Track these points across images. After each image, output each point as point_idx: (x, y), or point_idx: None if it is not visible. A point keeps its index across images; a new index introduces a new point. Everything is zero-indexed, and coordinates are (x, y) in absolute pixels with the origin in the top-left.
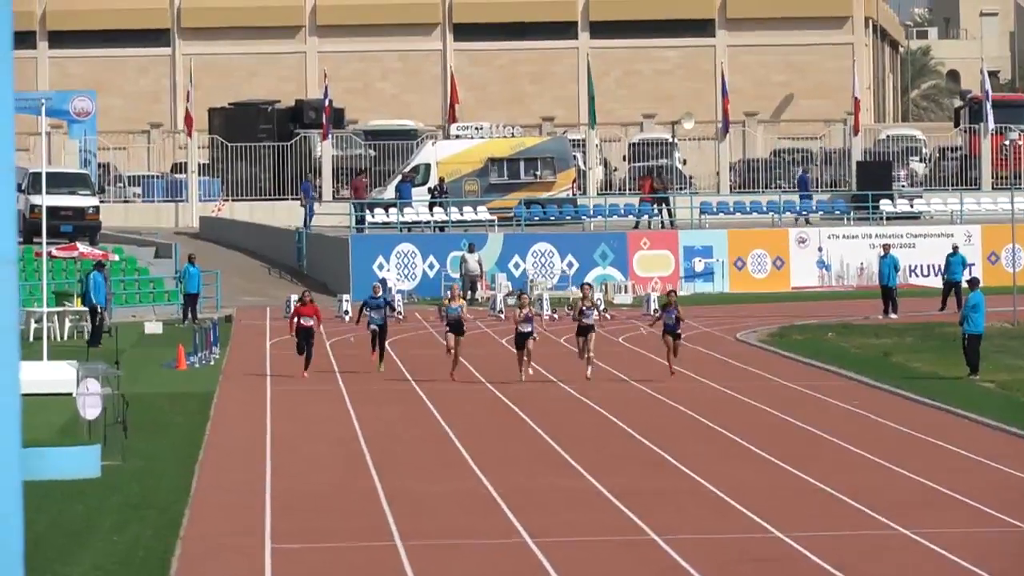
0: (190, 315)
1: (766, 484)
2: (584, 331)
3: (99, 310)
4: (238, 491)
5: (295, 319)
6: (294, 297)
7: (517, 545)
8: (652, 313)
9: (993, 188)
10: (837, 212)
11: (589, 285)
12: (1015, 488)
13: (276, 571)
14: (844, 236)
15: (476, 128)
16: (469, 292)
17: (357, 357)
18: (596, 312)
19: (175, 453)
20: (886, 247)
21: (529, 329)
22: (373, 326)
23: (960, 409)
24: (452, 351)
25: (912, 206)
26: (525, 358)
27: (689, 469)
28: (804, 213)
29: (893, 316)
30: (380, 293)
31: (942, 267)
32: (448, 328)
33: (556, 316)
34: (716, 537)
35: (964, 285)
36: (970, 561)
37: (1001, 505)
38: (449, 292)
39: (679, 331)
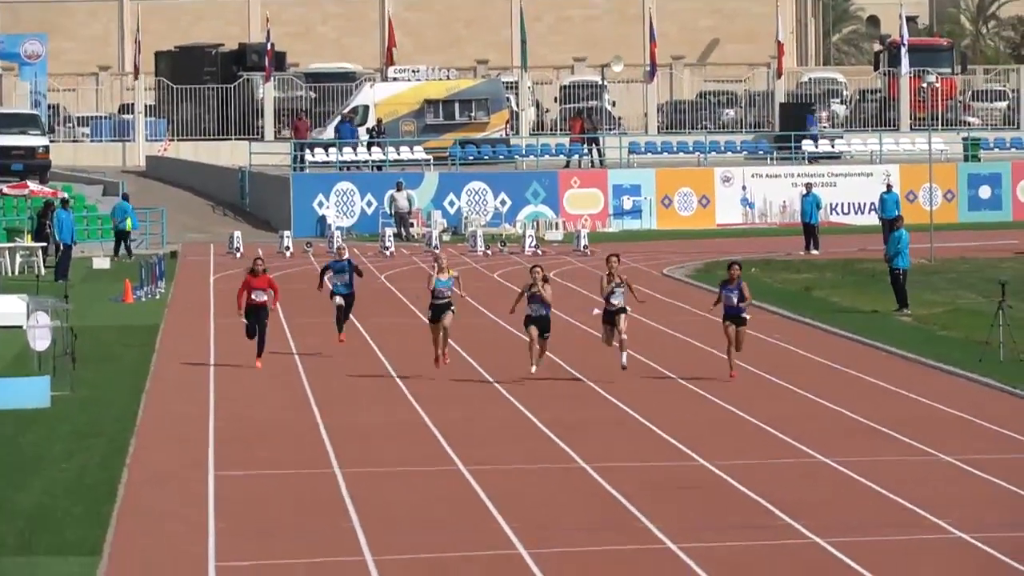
0: (124, 251)
1: (691, 414)
2: (612, 316)
3: (63, 246)
4: (183, 421)
5: (244, 293)
6: (237, 234)
7: (451, 473)
8: (718, 291)
9: (911, 129)
10: (761, 152)
11: (616, 256)
12: (932, 418)
13: (219, 497)
14: (767, 175)
15: (413, 71)
16: (403, 230)
17: (314, 326)
18: (626, 289)
19: (122, 384)
20: (808, 186)
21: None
22: (339, 298)
23: (879, 342)
24: (438, 339)
25: (833, 146)
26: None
27: (618, 400)
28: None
29: (814, 252)
30: (345, 255)
31: (876, 205)
32: (431, 315)
33: (490, 252)
34: (643, 465)
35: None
36: (890, 489)
37: (918, 435)
38: (436, 262)
39: (744, 315)
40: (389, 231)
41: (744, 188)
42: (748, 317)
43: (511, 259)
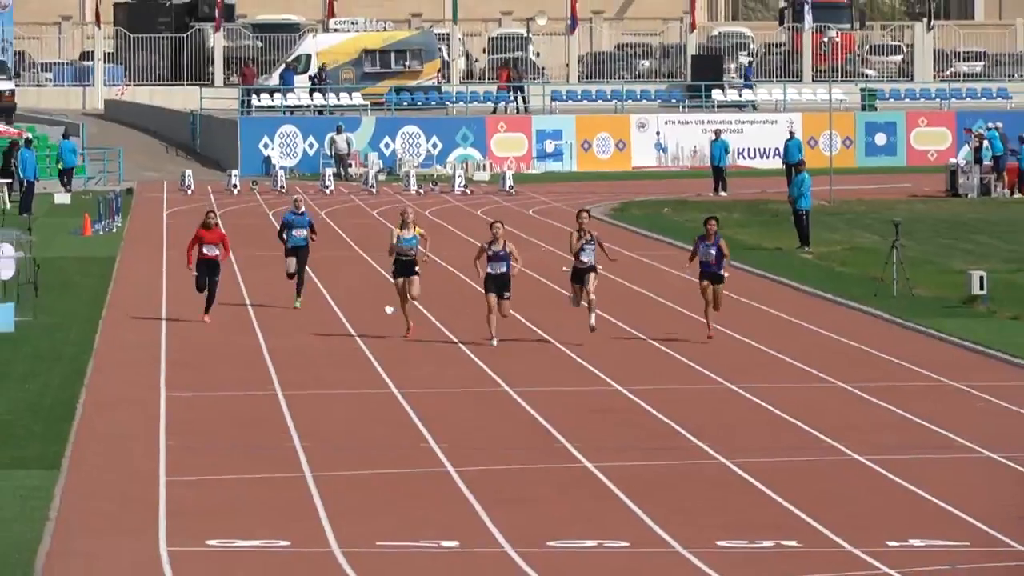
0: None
1: (605, 342)
2: (581, 275)
3: (27, 183)
4: (137, 346)
5: (195, 246)
6: (189, 173)
7: (385, 395)
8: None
9: (813, 80)
10: (673, 100)
11: (586, 212)
12: (831, 349)
13: (169, 417)
14: (679, 122)
15: (352, 22)
16: (342, 170)
17: (267, 284)
18: (596, 246)
19: (81, 311)
20: (717, 132)
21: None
22: (291, 261)
23: (782, 277)
24: (403, 298)
25: (740, 95)
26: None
27: (537, 328)
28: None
29: (723, 194)
30: (303, 209)
31: (780, 150)
32: (395, 269)
33: (422, 191)
34: (562, 389)
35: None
36: (792, 414)
37: (818, 364)
38: (402, 216)
39: (722, 272)
40: (329, 171)
41: (658, 134)
42: (726, 275)
43: (442, 198)
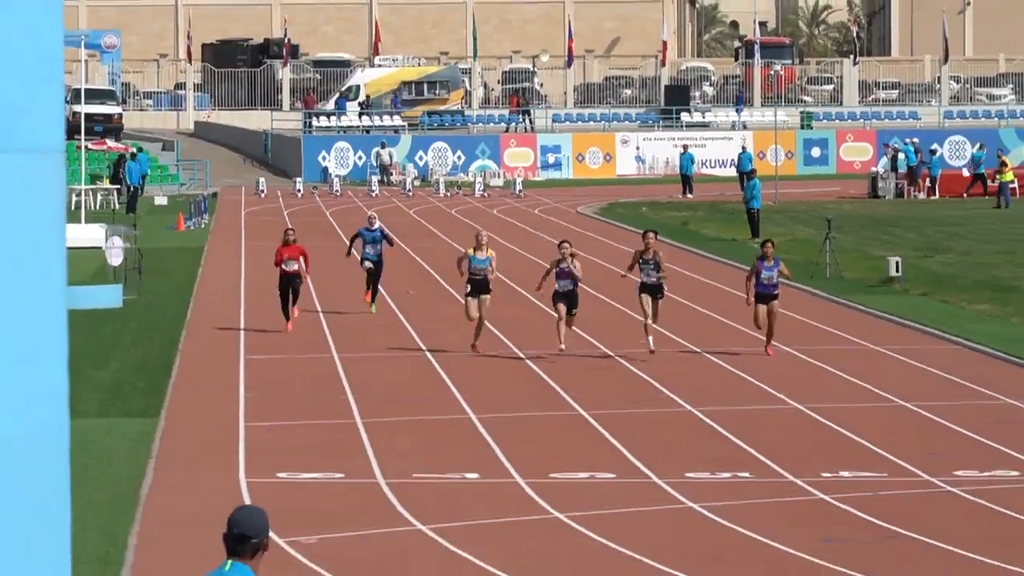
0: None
1: (597, 315)
2: (650, 289)
3: (133, 187)
4: (221, 319)
5: (280, 259)
6: (262, 180)
7: (421, 358)
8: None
9: (762, 105)
10: (650, 121)
11: (653, 232)
12: (778, 320)
13: (248, 375)
14: (655, 139)
15: (393, 59)
16: (385, 177)
17: (345, 298)
18: (659, 269)
19: (176, 291)
20: (685, 146)
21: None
22: (368, 263)
23: (736, 263)
24: (476, 318)
25: (704, 117)
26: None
27: (539, 302)
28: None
29: (689, 196)
30: (376, 224)
31: (735, 161)
32: (469, 289)
33: (449, 194)
34: (564, 354)
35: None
36: (746, 373)
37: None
38: (475, 239)
39: (776, 293)
40: (375, 178)
41: (637, 148)
42: (779, 294)
43: (465, 200)
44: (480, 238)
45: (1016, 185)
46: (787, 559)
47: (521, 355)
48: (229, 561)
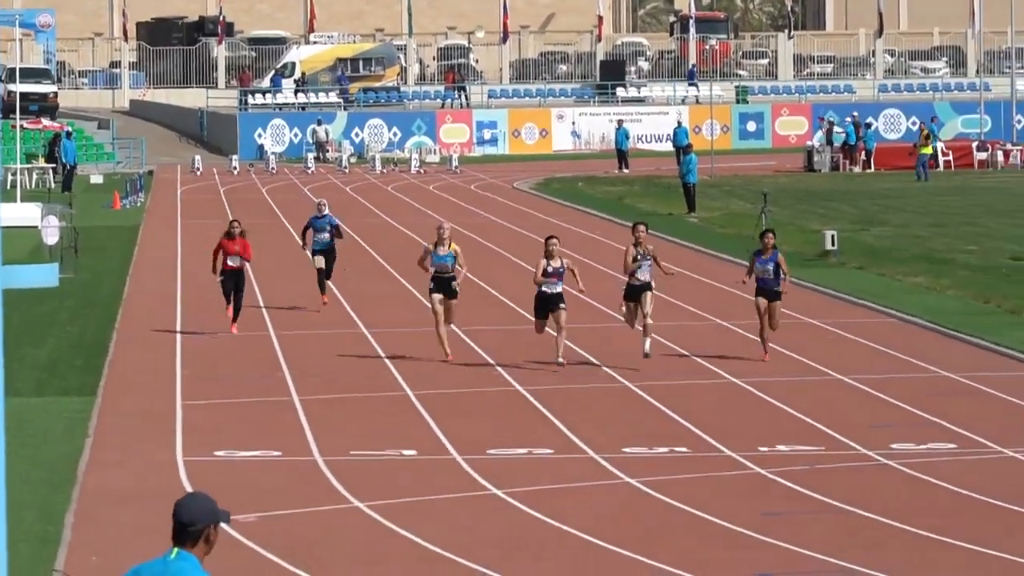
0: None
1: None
2: (636, 293)
3: (69, 166)
4: (157, 297)
5: (219, 255)
6: (198, 158)
7: (357, 335)
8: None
9: (697, 80)
10: (586, 97)
11: (644, 225)
12: (712, 295)
13: (184, 352)
14: (591, 114)
15: (328, 36)
16: (321, 154)
17: (264, 246)
18: (652, 262)
19: (112, 269)
20: (620, 122)
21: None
22: (319, 259)
23: (673, 237)
24: (440, 322)
25: (639, 92)
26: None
27: (483, 282)
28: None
29: (625, 171)
30: (326, 211)
31: (671, 136)
32: (433, 287)
33: (385, 171)
34: (499, 328)
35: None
36: (682, 347)
37: (704, 308)
38: (438, 232)
39: (779, 289)
40: (311, 155)
41: (573, 123)
42: (785, 291)
43: (401, 176)
44: (441, 232)
45: (951, 158)
46: (726, 533)
47: (458, 331)
48: (175, 549)
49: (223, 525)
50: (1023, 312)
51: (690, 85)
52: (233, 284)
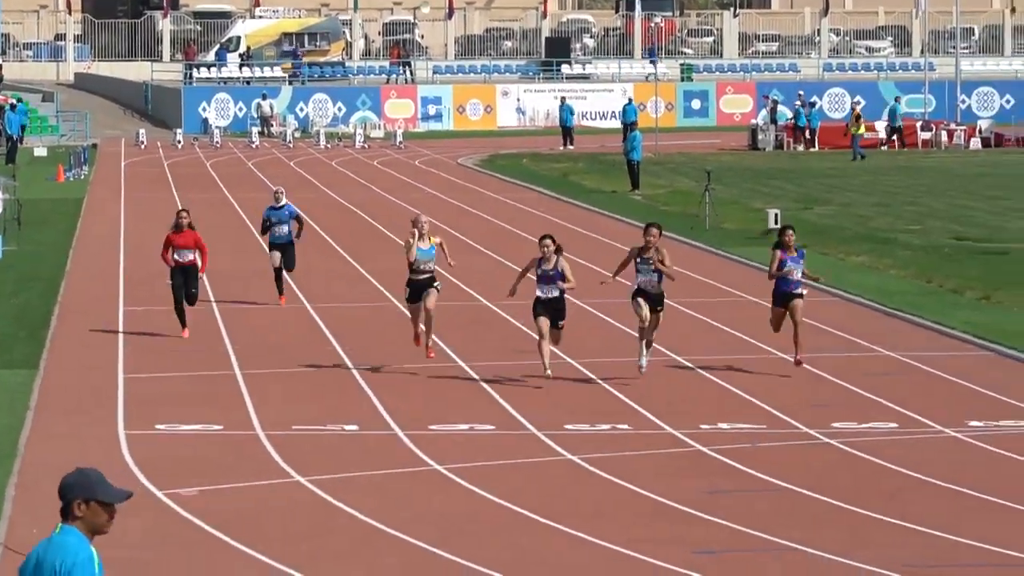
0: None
1: (477, 267)
2: (649, 299)
3: (13, 138)
4: (101, 270)
5: (168, 253)
6: (142, 131)
7: (300, 309)
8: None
9: (642, 57)
10: (530, 73)
11: (656, 226)
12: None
13: (127, 325)
14: (535, 91)
15: (274, 11)
16: (265, 128)
17: (207, 220)
18: (662, 268)
19: (56, 241)
20: (563, 99)
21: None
22: (276, 255)
23: (616, 214)
24: (418, 322)
25: (584, 69)
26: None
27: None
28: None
29: (570, 148)
30: (283, 201)
31: (620, 112)
32: (409, 293)
33: (329, 146)
34: (441, 304)
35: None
36: (625, 325)
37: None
38: (415, 227)
39: (801, 291)
40: (255, 130)
41: (518, 100)
42: (804, 292)
43: (346, 151)
44: (419, 224)
45: (895, 138)
46: (667, 510)
47: (400, 306)
48: (59, 524)
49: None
50: (965, 292)
51: (651, 62)
52: (184, 281)
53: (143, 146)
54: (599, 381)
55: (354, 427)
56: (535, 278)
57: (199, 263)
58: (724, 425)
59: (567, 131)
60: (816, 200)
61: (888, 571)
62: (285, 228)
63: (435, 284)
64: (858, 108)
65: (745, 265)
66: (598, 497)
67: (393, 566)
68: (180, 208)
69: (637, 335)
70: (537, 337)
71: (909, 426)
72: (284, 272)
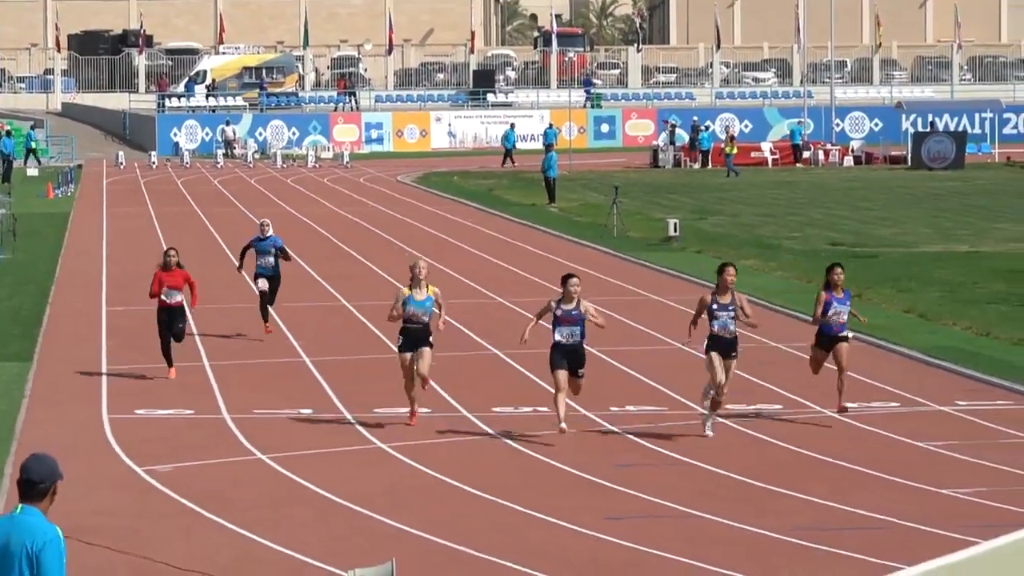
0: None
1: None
2: (721, 348)
3: (11, 160)
4: (86, 273)
5: (158, 289)
6: (121, 153)
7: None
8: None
9: (558, 87)
10: (460, 102)
11: (732, 266)
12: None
13: (109, 323)
14: (464, 117)
15: (235, 48)
16: (229, 151)
17: (180, 231)
18: (741, 313)
19: (46, 250)
20: (512, 125)
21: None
22: (263, 281)
23: (536, 224)
24: (411, 377)
25: (507, 97)
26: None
27: (364, 259)
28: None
29: (513, 165)
30: (270, 232)
31: (543, 135)
32: (402, 341)
33: (285, 165)
34: (385, 303)
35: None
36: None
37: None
38: (412, 272)
39: (846, 334)
40: (220, 152)
41: (449, 125)
42: (849, 335)
43: (299, 170)
44: (417, 270)
45: (778, 156)
46: (582, 482)
47: (348, 306)
48: (20, 505)
49: (142, 473)
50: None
51: (587, 92)
52: (169, 324)
53: (122, 166)
54: (522, 370)
55: (308, 411)
56: (550, 324)
57: (185, 304)
58: (631, 407)
59: (508, 152)
60: (709, 211)
61: (781, 535)
62: (271, 259)
63: (430, 338)
64: (731, 130)
65: (648, 268)
66: (522, 471)
67: (345, 530)
68: (167, 247)
69: (707, 390)
70: (553, 391)
71: (792, 407)
72: (271, 301)
